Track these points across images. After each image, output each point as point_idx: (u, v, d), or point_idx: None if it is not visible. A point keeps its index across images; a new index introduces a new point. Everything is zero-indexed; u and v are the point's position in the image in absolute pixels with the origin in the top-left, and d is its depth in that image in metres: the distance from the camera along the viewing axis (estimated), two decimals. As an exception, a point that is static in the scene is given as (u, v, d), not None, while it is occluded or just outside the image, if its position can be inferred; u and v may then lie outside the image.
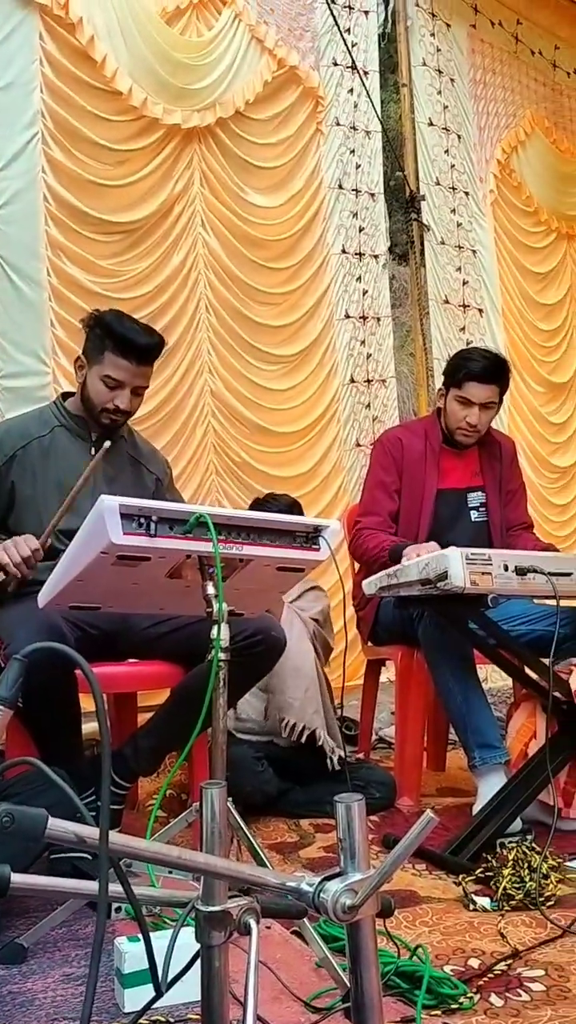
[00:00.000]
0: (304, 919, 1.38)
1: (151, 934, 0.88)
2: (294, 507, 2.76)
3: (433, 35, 4.07)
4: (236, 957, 0.91)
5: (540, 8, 4.46)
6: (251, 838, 1.41)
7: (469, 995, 1.34)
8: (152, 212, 3.23)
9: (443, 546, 2.14)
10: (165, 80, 3.20)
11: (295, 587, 2.60)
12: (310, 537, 1.55)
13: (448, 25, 4.15)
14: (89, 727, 2.08)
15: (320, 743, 2.36)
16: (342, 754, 2.34)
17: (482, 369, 2.57)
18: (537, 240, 4.48)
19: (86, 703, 2.01)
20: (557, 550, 2.66)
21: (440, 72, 4.09)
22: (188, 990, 1.03)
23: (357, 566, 2.83)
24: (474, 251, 4.14)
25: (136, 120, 3.18)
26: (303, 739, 2.36)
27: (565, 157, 4.59)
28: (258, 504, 2.80)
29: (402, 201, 4.11)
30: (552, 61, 4.64)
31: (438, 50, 4.09)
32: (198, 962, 0.88)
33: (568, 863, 1.90)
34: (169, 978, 0.93)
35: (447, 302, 4.02)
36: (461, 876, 1.86)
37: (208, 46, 3.34)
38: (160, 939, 0.90)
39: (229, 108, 3.39)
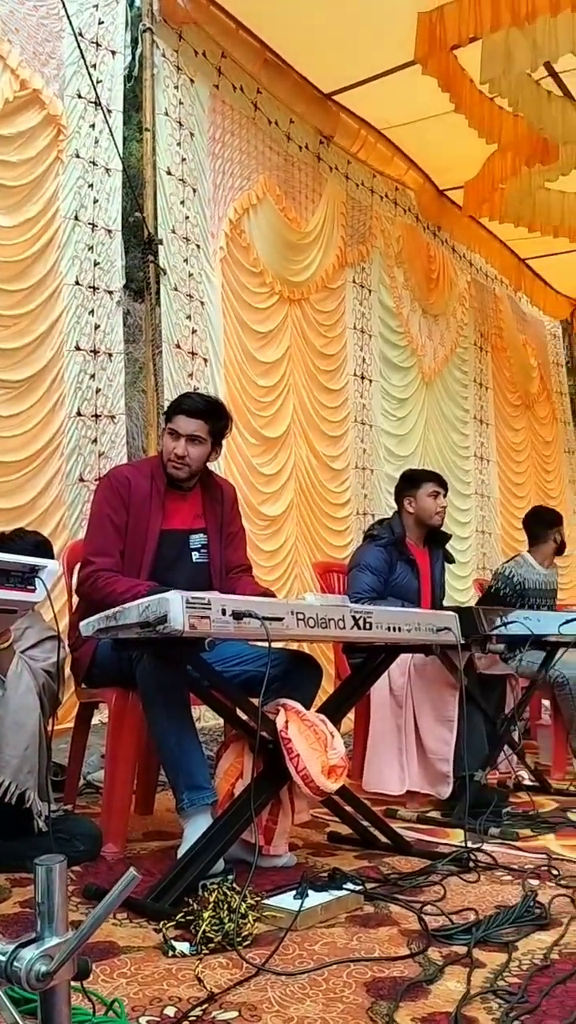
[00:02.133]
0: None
1: None
2: (41, 546, 2.63)
3: (177, 88, 4.18)
4: None
5: (279, 82, 4.74)
6: None
7: (164, 1046, 1.34)
8: None
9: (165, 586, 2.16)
10: None
11: (31, 634, 2.49)
12: (26, 577, 1.50)
13: (192, 81, 4.28)
14: None
15: (28, 804, 2.25)
16: (47, 816, 2.24)
17: (190, 404, 2.74)
18: (261, 300, 4.68)
19: None
20: (274, 595, 2.79)
21: (181, 124, 4.20)
22: None
23: (75, 604, 2.77)
24: (202, 302, 4.26)
25: None
26: (12, 801, 2.23)
27: (292, 226, 4.88)
28: (1, 540, 2.64)
29: (140, 239, 4.13)
30: (287, 133, 4.95)
31: (180, 103, 4.20)
32: None
33: (266, 900, 1.97)
34: None
35: (178, 347, 4.09)
36: (162, 922, 1.85)
37: (-57, 52, 3.18)
38: None
39: (-37, 120, 3.24)
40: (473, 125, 4.59)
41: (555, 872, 2.38)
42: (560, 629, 3.49)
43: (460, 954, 1.76)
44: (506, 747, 3.43)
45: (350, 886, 2.10)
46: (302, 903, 1.93)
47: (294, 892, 2.00)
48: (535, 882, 2.29)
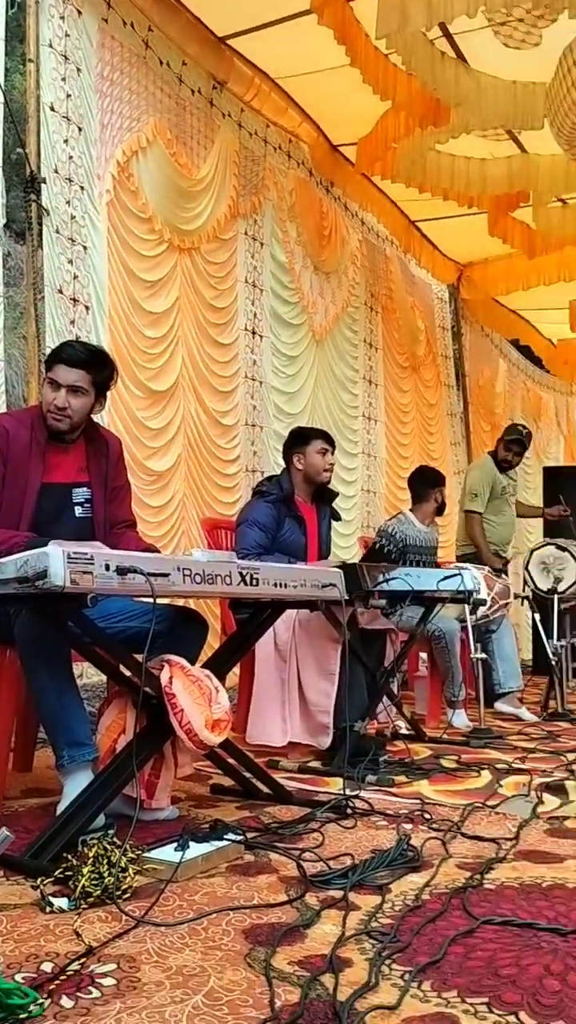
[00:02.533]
0: None
1: None
2: None
3: (63, 19, 3.95)
4: None
5: (171, 21, 4.56)
6: None
7: (39, 1002, 1.33)
8: None
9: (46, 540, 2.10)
10: None
11: None
12: None
13: (79, 12, 4.06)
14: None
15: None
16: None
17: (71, 353, 2.64)
18: (149, 248, 4.52)
19: None
20: (159, 551, 2.76)
21: (66, 58, 3.98)
22: None
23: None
24: (85, 247, 4.08)
25: None
26: None
27: (183, 172, 4.72)
28: None
29: (22, 176, 3.92)
30: (179, 76, 4.78)
31: (67, 35, 3.98)
32: None
33: (147, 853, 1.97)
34: None
35: (60, 292, 3.93)
36: (40, 879, 1.83)
37: None
38: None
39: None
40: (368, 80, 4.56)
41: (427, 816, 2.49)
42: (438, 585, 3.61)
43: (336, 898, 1.82)
44: (385, 698, 3.54)
45: (231, 836, 2.13)
46: (183, 855, 1.94)
47: (175, 844, 2.01)
48: (408, 826, 2.39)
